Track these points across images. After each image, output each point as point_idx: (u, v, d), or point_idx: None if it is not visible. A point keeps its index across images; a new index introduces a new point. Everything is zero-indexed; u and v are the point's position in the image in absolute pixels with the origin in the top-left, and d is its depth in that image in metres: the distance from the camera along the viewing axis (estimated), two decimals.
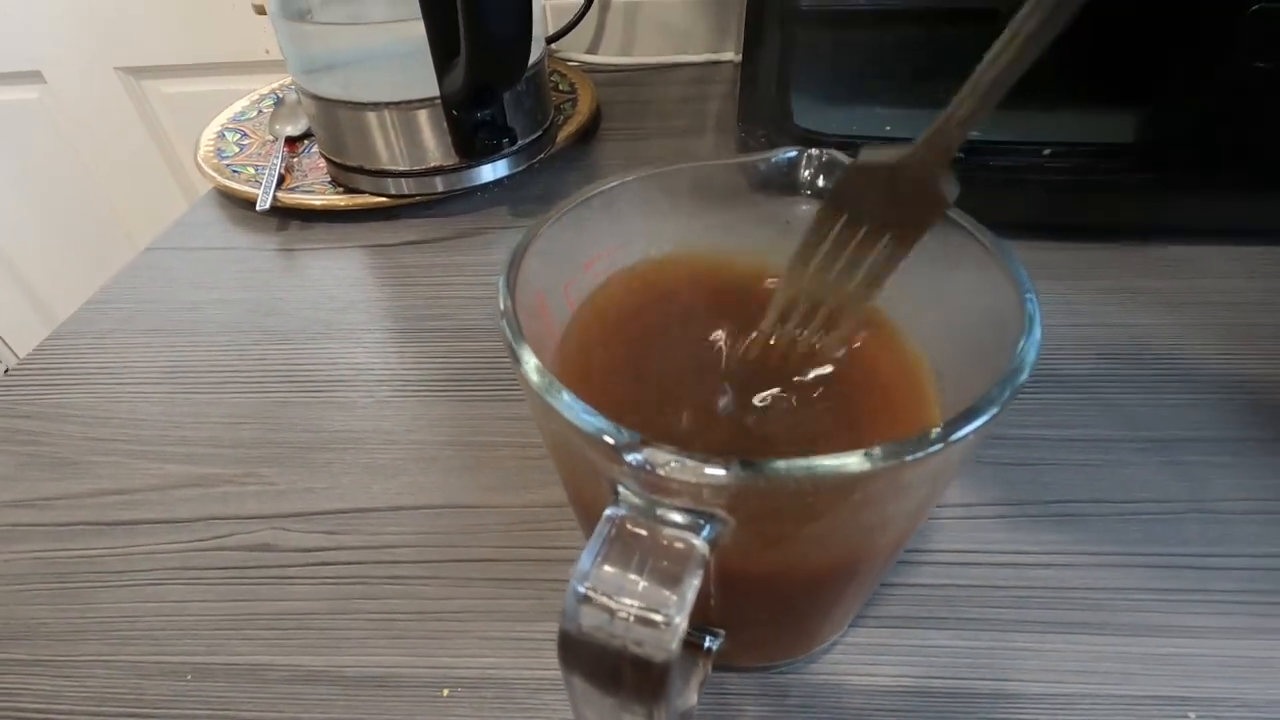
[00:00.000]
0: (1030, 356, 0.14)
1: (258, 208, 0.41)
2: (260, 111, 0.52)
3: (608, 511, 0.13)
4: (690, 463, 0.12)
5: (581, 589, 0.12)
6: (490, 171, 0.42)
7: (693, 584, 0.12)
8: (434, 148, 0.41)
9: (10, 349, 1.00)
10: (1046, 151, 0.36)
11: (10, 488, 0.29)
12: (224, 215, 0.44)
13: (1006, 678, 0.21)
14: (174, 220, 0.44)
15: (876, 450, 0.12)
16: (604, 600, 0.12)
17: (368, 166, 0.41)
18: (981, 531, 0.25)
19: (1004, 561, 0.24)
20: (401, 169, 0.41)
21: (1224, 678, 0.21)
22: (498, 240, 0.40)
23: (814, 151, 0.20)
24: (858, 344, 0.20)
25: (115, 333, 0.36)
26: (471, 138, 0.39)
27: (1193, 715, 0.20)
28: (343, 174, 0.43)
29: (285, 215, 0.43)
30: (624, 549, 0.13)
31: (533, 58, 0.39)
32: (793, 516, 0.14)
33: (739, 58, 0.45)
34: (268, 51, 0.68)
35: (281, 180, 0.44)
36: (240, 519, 0.27)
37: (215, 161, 0.46)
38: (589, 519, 0.19)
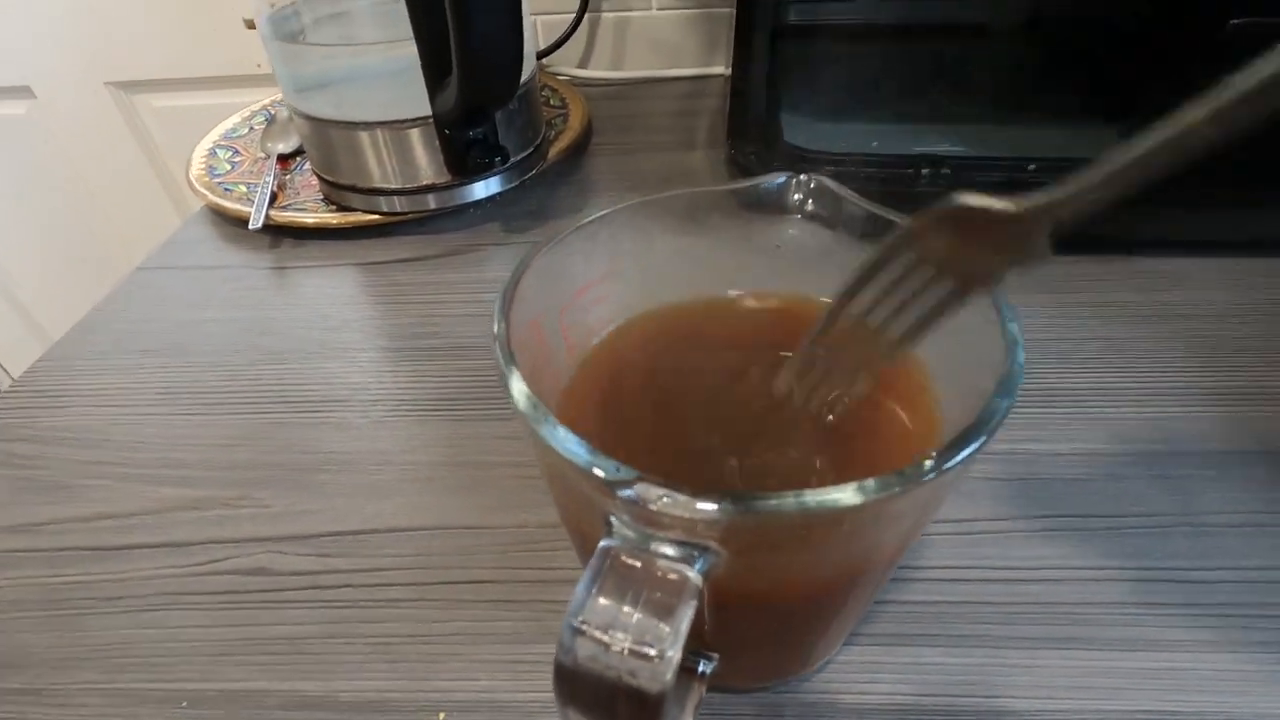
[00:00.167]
0: (1016, 381, 0.15)
1: (250, 226, 0.41)
2: (252, 128, 0.52)
3: (602, 543, 0.13)
4: (682, 498, 0.12)
5: (576, 622, 0.12)
6: (483, 188, 0.42)
7: (687, 615, 0.13)
8: (426, 166, 0.41)
9: (3, 367, 1.00)
10: (1031, 167, 0.37)
11: (4, 513, 0.28)
12: (216, 233, 0.44)
13: (999, 694, 0.21)
14: (166, 239, 0.44)
15: (870, 483, 0.12)
16: (598, 635, 0.12)
17: (360, 185, 0.41)
18: (972, 547, 0.25)
19: (995, 577, 0.24)
20: (394, 187, 0.41)
21: (1213, 691, 0.21)
22: (491, 257, 0.41)
23: (802, 177, 0.21)
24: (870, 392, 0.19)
25: (108, 354, 0.36)
26: (464, 156, 0.39)
27: None
28: (335, 192, 0.43)
29: (278, 233, 0.43)
30: (618, 581, 0.13)
31: (524, 75, 0.39)
32: (786, 547, 0.14)
33: (729, 71, 0.45)
34: (259, 66, 0.68)
35: (274, 198, 0.44)
36: (235, 542, 0.27)
37: (207, 180, 0.46)
38: (583, 544, 0.19)
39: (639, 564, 0.13)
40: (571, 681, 0.13)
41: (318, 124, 0.40)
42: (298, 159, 0.48)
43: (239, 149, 0.50)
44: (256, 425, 0.31)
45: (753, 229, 0.21)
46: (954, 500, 0.26)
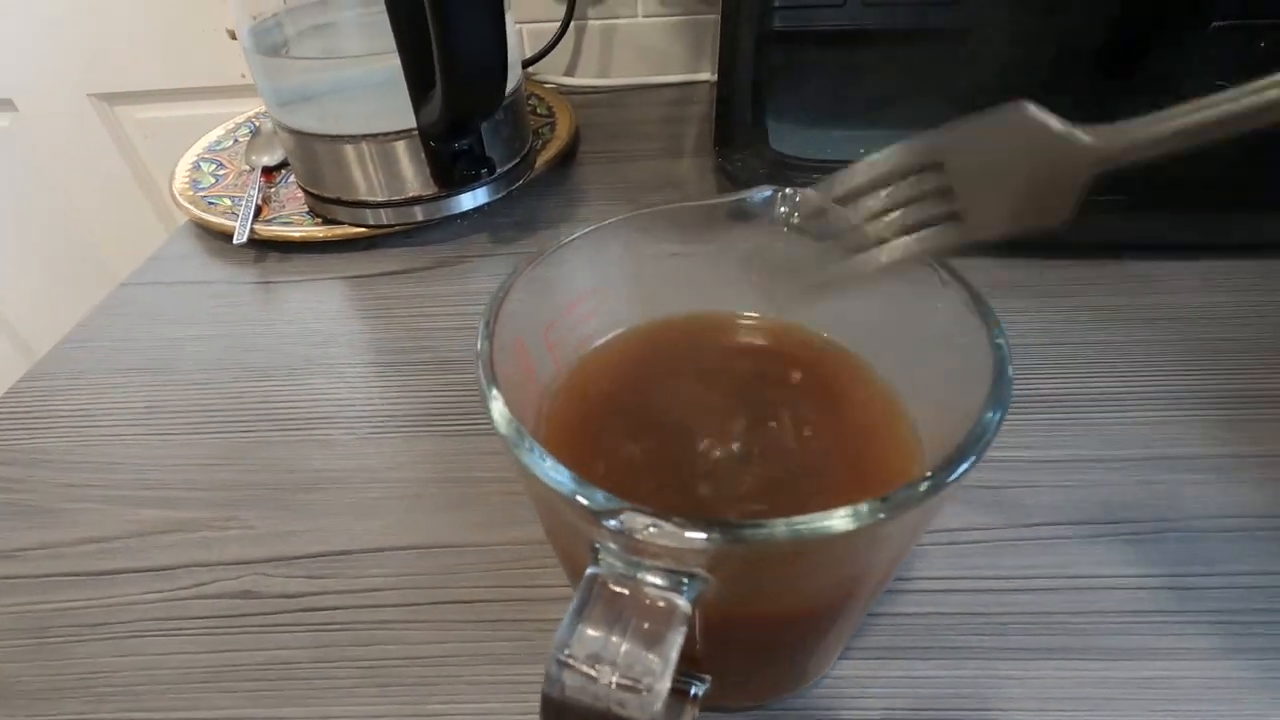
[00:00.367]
0: (1006, 394, 0.15)
1: (235, 241, 0.41)
2: (236, 141, 0.52)
3: (589, 571, 0.13)
4: (669, 527, 0.12)
5: (563, 655, 0.12)
6: (470, 199, 0.42)
7: (676, 644, 0.12)
8: (412, 178, 0.40)
9: None
10: None
11: None
12: (201, 247, 0.44)
13: (992, 707, 0.21)
14: (150, 254, 0.44)
15: (862, 508, 0.12)
16: (585, 668, 0.12)
17: (346, 198, 0.41)
18: (962, 557, 0.25)
19: (986, 588, 0.24)
20: (380, 200, 0.41)
21: (1206, 700, 0.21)
22: (478, 268, 0.40)
23: (788, 190, 0.21)
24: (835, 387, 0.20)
25: (91, 372, 0.35)
26: (450, 168, 0.39)
27: None
28: (321, 205, 0.42)
29: (263, 247, 0.43)
30: (605, 610, 0.13)
31: (510, 85, 0.39)
32: (777, 573, 0.14)
33: (715, 78, 0.45)
34: (243, 76, 0.68)
35: (259, 212, 0.43)
36: (221, 565, 0.26)
37: (191, 194, 0.45)
38: (569, 564, 0.19)
39: (626, 592, 0.13)
40: (559, 714, 0.13)
41: (302, 137, 0.40)
42: (282, 172, 0.48)
43: (223, 162, 0.49)
44: (241, 444, 0.31)
45: (740, 242, 0.21)
46: (943, 510, 0.26)
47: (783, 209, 0.21)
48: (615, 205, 0.45)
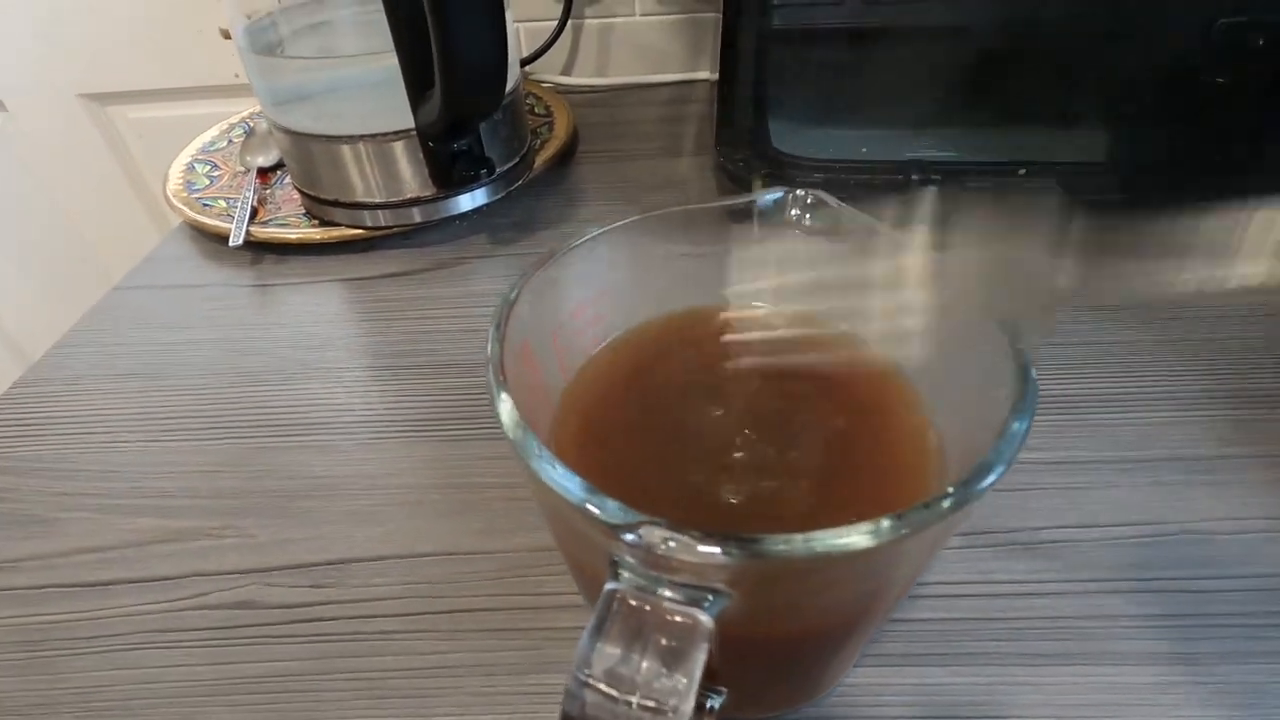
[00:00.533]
0: (1031, 405, 0.14)
1: (230, 243, 0.40)
2: (230, 141, 0.51)
3: (608, 586, 0.13)
4: (687, 540, 0.12)
5: (583, 674, 0.12)
6: (468, 200, 0.42)
7: (699, 662, 0.12)
8: (410, 179, 0.40)
9: None
10: (1022, 171, 0.37)
11: None
12: (195, 250, 0.43)
13: (1006, 713, 0.21)
14: (144, 256, 0.43)
15: (884, 524, 0.11)
16: (606, 689, 0.12)
17: (343, 199, 0.41)
18: (974, 562, 0.25)
19: (999, 592, 0.24)
20: (377, 201, 0.40)
21: (1220, 705, 0.21)
22: (477, 269, 0.40)
23: (799, 192, 0.20)
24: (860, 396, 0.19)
25: (84, 378, 0.35)
26: (448, 169, 0.39)
27: None
28: (317, 207, 0.42)
29: (259, 249, 0.42)
30: (625, 626, 0.12)
31: (509, 84, 0.38)
32: (796, 587, 0.13)
33: (715, 76, 0.45)
34: (237, 75, 0.67)
35: (254, 213, 0.43)
36: (220, 575, 0.26)
37: (185, 195, 0.45)
38: (580, 574, 0.18)
39: (648, 607, 0.13)
40: None
41: (298, 137, 0.39)
42: (278, 173, 0.47)
43: (218, 163, 0.48)
44: (239, 451, 0.30)
45: (750, 245, 0.21)
46: None
47: (794, 211, 0.21)
48: (615, 205, 0.44)
